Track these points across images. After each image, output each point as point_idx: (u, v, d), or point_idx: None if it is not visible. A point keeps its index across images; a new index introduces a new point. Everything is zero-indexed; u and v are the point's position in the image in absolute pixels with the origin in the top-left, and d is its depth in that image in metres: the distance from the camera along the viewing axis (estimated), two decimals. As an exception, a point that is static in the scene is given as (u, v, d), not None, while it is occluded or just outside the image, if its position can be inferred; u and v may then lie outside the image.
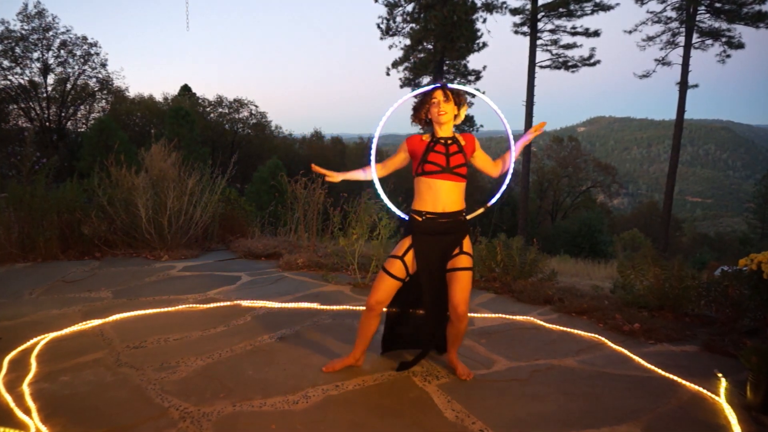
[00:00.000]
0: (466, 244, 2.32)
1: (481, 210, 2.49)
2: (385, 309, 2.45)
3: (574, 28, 22.21)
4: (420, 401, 2.17)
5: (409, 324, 2.53)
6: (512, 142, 2.45)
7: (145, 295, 3.74)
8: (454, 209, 2.27)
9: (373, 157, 2.39)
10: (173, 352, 2.65)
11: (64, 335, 2.86)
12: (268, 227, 6.67)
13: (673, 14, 21.67)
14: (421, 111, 2.33)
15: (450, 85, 2.32)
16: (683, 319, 3.37)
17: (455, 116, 2.33)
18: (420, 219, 2.27)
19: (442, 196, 2.25)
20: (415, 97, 2.38)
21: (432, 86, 2.31)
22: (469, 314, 3.34)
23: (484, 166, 2.47)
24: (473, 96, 2.30)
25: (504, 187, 2.52)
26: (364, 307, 3.43)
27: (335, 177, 2.46)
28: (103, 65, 28.09)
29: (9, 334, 2.82)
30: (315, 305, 3.50)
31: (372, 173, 2.38)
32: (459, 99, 2.31)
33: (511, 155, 2.45)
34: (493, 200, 2.56)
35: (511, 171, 2.48)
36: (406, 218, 2.36)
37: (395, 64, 24.85)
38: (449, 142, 2.31)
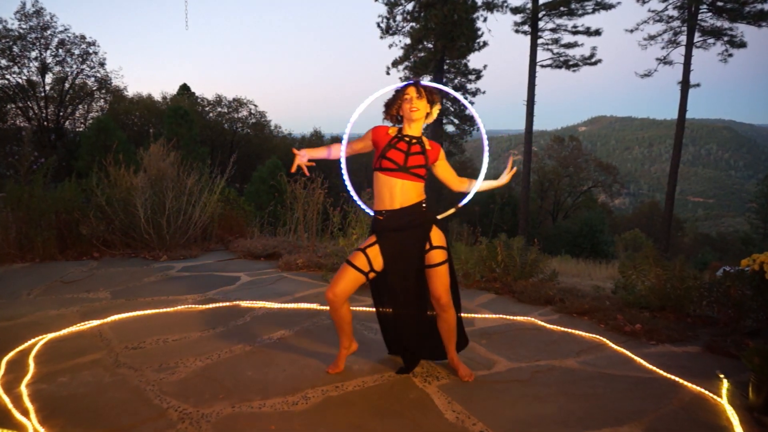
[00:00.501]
0: (436, 237, 2.29)
1: (452, 210, 2.49)
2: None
3: (575, 27, 22.18)
4: (420, 402, 2.16)
5: (397, 328, 2.48)
6: (486, 150, 2.51)
7: (144, 295, 3.73)
8: (412, 203, 2.25)
9: (344, 146, 2.37)
10: (172, 352, 2.64)
11: (63, 336, 2.86)
12: (268, 227, 6.67)
13: (675, 13, 21.63)
14: (393, 106, 2.30)
15: (424, 83, 2.30)
16: (685, 319, 3.36)
17: (427, 114, 2.31)
18: (381, 218, 2.27)
19: (397, 193, 2.23)
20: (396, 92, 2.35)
21: (405, 83, 2.29)
22: (469, 315, 3.37)
23: (446, 178, 2.46)
24: (446, 96, 2.30)
25: (470, 195, 2.56)
26: (364, 308, 3.45)
27: (302, 156, 2.40)
28: (102, 64, 27.96)
29: (7, 335, 2.81)
30: (315, 306, 3.49)
31: (341, 155, 2.37)
32: (432, 97, 2.30)
33: (477, 182, 2.49)
34: (464, 201, 2.62)
35: (471, 194, 2.51)
36: (372, 212, 2.36)
37: (395, 64, 24.83)
38: (413, 141, 2.28)
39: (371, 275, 2.29)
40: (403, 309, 2.33)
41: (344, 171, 2.42)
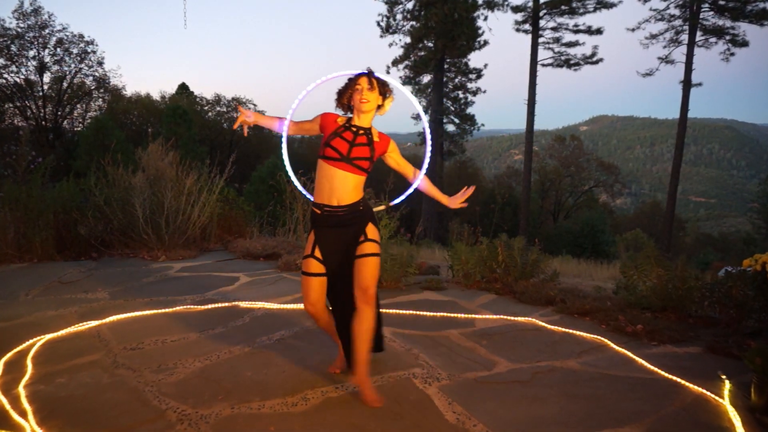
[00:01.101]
0: (371, 231, 2.25)
1: (382, 207, 2.46)
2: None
3: (576, 25, 22.14)
4: (420, 403, 2.16)
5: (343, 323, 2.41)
6: (429, 144, 2.47)
7: (143, 296, 3.73)
8: (351, 201, 2.20)
9: (287, 123, 2.32)
10: (171, 353, 2.63)
11: (61, 337, 2.85)
12: (267, 227, 6.66)
13: (677, 12, 21.57)
14: (345, 95, 2.25)
15: (377, 75, 2.25)
16: (686, 320, 3.35)
17: (379, 107, 2.27)
18: (319, 212, 2.24)
19: (337, 185, 2.18)
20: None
21: (358, 72, 2.24)
22: (470, 315, 3.36)
23: (400, 169, 2.42)
24: (390, 92, 2.22)
25: (410, 191, 2.51)
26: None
27: (249, 116, 2.34)
28: (100, 63, 27.85)
29: (5, 336, 2.81)
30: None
31: (284, 132, 2.33)
32: (384, 90, 2.26)
33: (421, 172, 2.43)
34: (398, 200, 2.61)
35: (416, 184, 2.44)
36: (311, 199, 2.32)
37: (395, 63, 24.82)
38: (360, 132, 2.23)
39: (328, 273, 2.26)
40: (344, 303, 2.29)
41: (284, 148, 2.37)
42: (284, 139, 2.36)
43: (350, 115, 2.29)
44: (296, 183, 2.51)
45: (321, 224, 2.24)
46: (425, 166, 2.45)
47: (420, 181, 2.42)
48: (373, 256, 2.20)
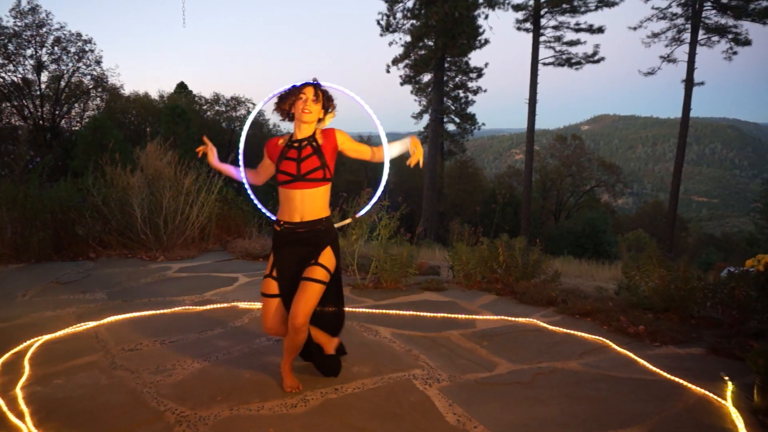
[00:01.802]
0: (325, 256, 2.16)
1: (348, 220, 2.43)
2: None
3: (577, 24, 22.08)
4: (420, 405, 2.14)
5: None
6: (384, 139, 2.34)
7: (141, 296, 3.72)
8: (313, 218, 2.16)
9: (241, 156, 2.35)
10: (169, 354, 2.62)
11: (58, 337, 2.85)
12: (266, 227, 6.63)
13: (679, 10, 21.50)
14: (287, 101, 2.19)
15: (324, 86, 2.21)
16: (689, 321, 3.33)
17: (319, 120, 2.22)
18: (278, 228, 2.21)
19: (298, 205, 2.14)
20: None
21: (305, 82, 2.20)
22: (470, 316, 3.35)
23: (358, 154, 2.31)
24: (332, 102, 2.16)
25: (375, 198, 2.45)
26: (363, 309, 3.43)
27: (212, 158, 2.37)
28: (98, 62, 27.55)
29: (2, 337, 2.80)
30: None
31: (242, 174, 2.34)
32: (328, 104, 2.22)
33: (385, 148, 2.30)
34: (362, 212, 2.65)
35: (387, 169, 2.33)
36: (274, 218, 2.29)
37: (395, 62, 24.80)
38: (303, 143, 2.17)
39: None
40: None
41: (247, 186, 2.39)
42: (246, 184, 2.37)
43: (290, 133, 2.23)
44: (267, 212, 2.46)
45: (280, 242, 2.20)
46: (386, 155, 2.32)
47: (384, 156, 2.29)
48: (315, 282, 2.10)
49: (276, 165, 2.20)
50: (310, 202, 2.15)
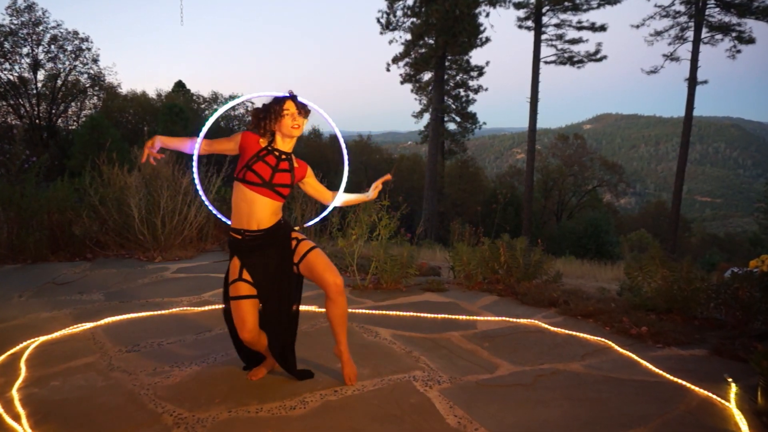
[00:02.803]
0: (296, 235, 2.26)
1: (297, 228, 2.42)
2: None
3: (579, 22, 22.02)
4: (421, 407, 2.13)
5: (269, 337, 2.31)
6: (345, 156, 2.48)
7: (138, 297, 3.70)
8: (271, 224, 2.17)
9: (199, 141, 2.25)
10: (167, 356, 2.61)
11: (55, 339, 2.83)
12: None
13: (682, 8, 21.41)
14: (269, 119, 2.14)
15: (300, 99, 2.19)
16: (692, 322, 3.31)
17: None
18: (239, 237, 2.17)
19: (256, 211, 2.13)
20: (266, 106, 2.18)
21: (283, 95, 2.18)
22: (471, 317, 3.33)
23: (316, 194, 2.42)
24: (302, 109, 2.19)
25: (326, 213, 2.57)
26: (363, 310, 3.41)
27: (155, 146, 2.25)
28: (95, 61, 27.50)
29: (-1, 338, 2.80)
30: (313, 308, 3.45)
31: (195, 150, 2.26)
32: (306, 113, 2.22)
33: (338, 196, 2.43)
34: (312, 222, 2.72)
35: (332, 206, 2.48)
36: (229, 222, 2.25)
37: (395, 60, 24.79)
38: (283, 157, 2.18)
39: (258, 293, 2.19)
40: (277, 319, 2.22)
41: (195, 171, 2.31)
42: (195, 159, 2.29)
43: (271, 140, 2.20)
44: (215, 211, 2.43)
45: (243, 248, 2.18)
46: (343, 183, 2.46)
47: (337, 201, 2.45)
48: (315, 248, 2.22)
49: (248, 162, 2.14)
50: (266, 211, 2.15)
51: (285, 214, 2.32)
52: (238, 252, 2.19)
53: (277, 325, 2.22)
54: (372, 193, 2.48)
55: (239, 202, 2.16)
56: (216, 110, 2.33)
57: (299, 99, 2.19)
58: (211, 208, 2.42)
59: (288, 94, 2.18)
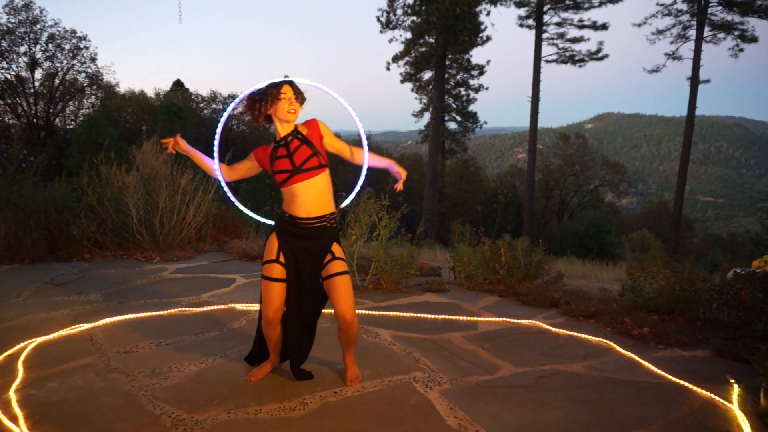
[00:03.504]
0: (338, 250, 2.22)
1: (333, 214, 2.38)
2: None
3: (581, 21, 21.96)
4: (421, 408, 2.12)
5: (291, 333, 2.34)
6: (365, 140, 2.34)
7: (136, 298, 3.70)
8: (320, 213, 2.17)
9: (216, 155, 2.26)
10: (165, 357, 2.60)
11: (52, 340, 2.83)
12: (264, 228, 6.61)
13: (684, 7, 21.33)
14: (265, 104, 2.14)
15: (296, 82, 2.19)
16: (694, 323, 3.30)
17: None
18: (286, 220, 2.19)
19: (302, 200, 2.14)
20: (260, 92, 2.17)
21: (280, 80, 2.16)
22: (472, 318, 3.31)
23: (336, 151, 2.30)
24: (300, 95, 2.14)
25: (357, 188, 2.41)
26: (363, 311, 3.40)
27: (181, 144, 2.26)
28: (93, 59, 27.34)
29: (-4, 339, 2.79)
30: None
31: (218, 174, 2.27)
32: (303, 99, 2.20)
33: (364, 153, 2.30)
34: (347, 201, 2.49)
35: (365, 169, 2.32)
36: (272, 223, 2.28)
37: (396, 59, 24.76)
38: (289, 138, 2.18)
39: (289, 279, 2.21)
40: (298, 315, 2.23)
41: (225, 188, 2.33)
42: (224, 185, 2.31)
43: (271, 133, 2.23)
44: (251, 214, 2.43)
45: (286, 232, 2.20)
46: (365, 144, 2.33)
47: (365, 158, 2.29)
48: (345, 275, 2.18)
49: (271, 168, 2.19)
50: (314, 195, 2.14)
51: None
52: (281, 233, 2.21)
53: (300, 314, 2.24)
54: (399, 172, 2.32)
55: (288, 200, 2.19)
56: (218, 122, 2.30)
57: (296, 84, 2.18)
58: (254, 215, 2.43)
59: (285, 79, 2.17)
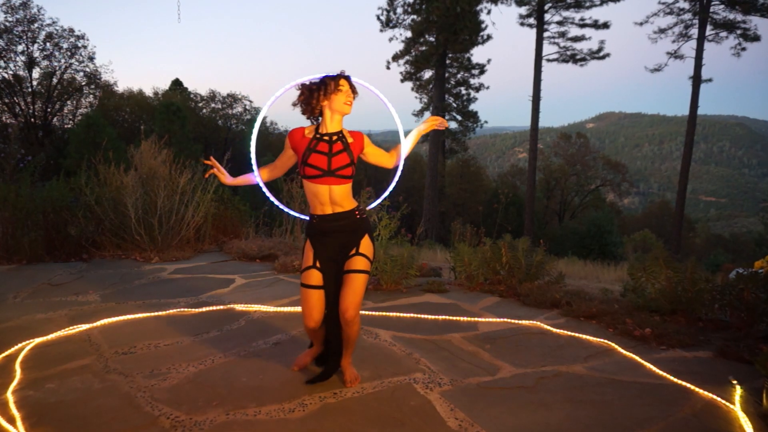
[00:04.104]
0: (364, 244, 2.20)
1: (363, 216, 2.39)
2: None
3: (582, 19, 21.94)
4: (421, 410, 2.11)
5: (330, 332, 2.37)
6: (403, 138, 2.35)
7: (135, 298, 3.69)
8: (345, 209, 2.17)
9: (253, 157, 2.28)
10: (164, 358, 2.59)
11: (50, 341, 2.82)
12: (263, 228, 6.60)
13: (686, 5, 21.31)
14: (320, 94, 2.12)
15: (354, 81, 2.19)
16: (696, 323, 3.28)
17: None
18: (315, 221, 2.19)
19: (326, 200, 2.14)
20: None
21: (338, 74, 2.16)
22: (473, 318, 3.30)
23: (379, 161, 2.32)
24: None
25: (394, 182, 2.43)
26: (363, 312, 3.38)
27: (225, 178, 2.35)
28: (91, 58, 27.30)
29: (-6, 340, 2.78)
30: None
31: (257, 179, 2.28)
32: (356, 94, 2.20)
33: (402, 148, 2.34)
34: (376, 203, 2.59)
35: (401, 166, 2.37)
36: (306, 218, 2.29)
37: (396, 58, 24.76)
38: (334, 138, 2.14)
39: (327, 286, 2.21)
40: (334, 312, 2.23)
41: (266, 191, 2.33)
42: (263, 186, 2.31)
43: (316, 124, 2.19)
44: (292, 212, 2.47)
45: (319, 232, 2.20)
46: (404, 154, 2.36)
47: (404, 152, 2.34)
48: (360, 273, 2.15)
49: (303, 158, 2.14)
50: (337, 197, 2.15)
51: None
52: (312, 235, 2.21)
53: (333, 312, 2.23)
54: (434, 125, 2.34)
55: (309, 194, 2.18)
56: (254, 125, 2.31)
57: (353, 81, 2.19)
58: (290, 211, 2.46)
59: (341, 74, 2.18)
